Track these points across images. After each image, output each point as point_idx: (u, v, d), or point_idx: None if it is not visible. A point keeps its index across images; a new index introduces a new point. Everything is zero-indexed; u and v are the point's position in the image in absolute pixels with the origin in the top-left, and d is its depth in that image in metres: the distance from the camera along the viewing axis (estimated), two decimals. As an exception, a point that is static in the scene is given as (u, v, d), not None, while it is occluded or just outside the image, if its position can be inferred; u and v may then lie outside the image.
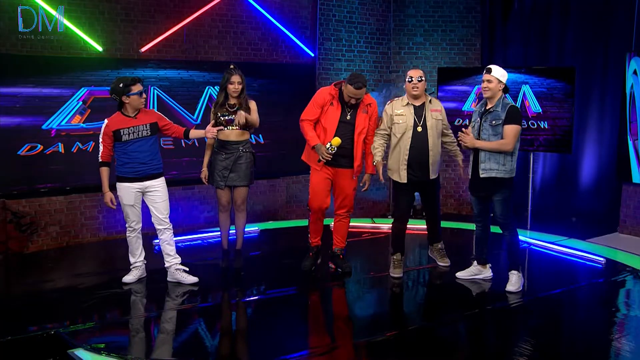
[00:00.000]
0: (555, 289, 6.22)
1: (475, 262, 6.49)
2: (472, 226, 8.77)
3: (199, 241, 8.11)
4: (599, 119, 9.16)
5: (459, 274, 6.49)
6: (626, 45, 8.52)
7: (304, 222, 9.01)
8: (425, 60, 10.49)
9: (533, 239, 8.11)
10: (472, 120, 6.17)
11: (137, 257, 6.39)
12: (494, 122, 5.88)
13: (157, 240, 7.53)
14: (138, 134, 6.09)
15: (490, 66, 5.98)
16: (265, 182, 9.59)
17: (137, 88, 6.04)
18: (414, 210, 10.43)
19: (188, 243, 7.97)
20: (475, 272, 6.46)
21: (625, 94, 8.36)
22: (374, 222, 9.16)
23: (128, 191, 6.16)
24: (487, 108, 5.98)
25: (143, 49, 8.41)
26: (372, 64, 10.34)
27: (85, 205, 8.20)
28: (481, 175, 5.98)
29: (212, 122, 6.43)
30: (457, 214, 10.53)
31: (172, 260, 6.32)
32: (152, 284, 6.36)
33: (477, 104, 6.11)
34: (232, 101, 6.44)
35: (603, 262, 7.17)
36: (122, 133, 6.04)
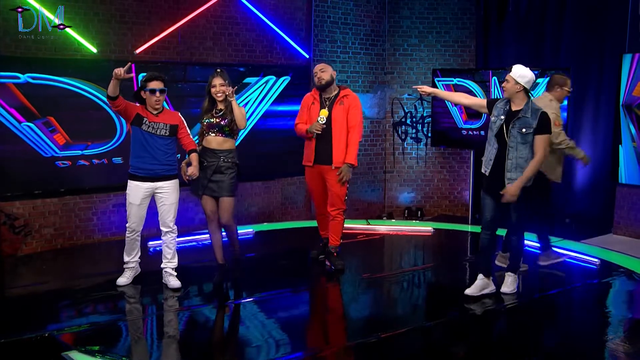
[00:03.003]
0: (550, 290, 6.24)
1: (482, 274, 6.05)
2: (465, 227, 9.07)
3: (194, 243, 8.07)
4: (594, 120, 9.17)
5: (468, 291, 5.99)
6: (621, 46, 8.54)
7: (299, 224, 9.26)
8: (420, 61, 10.51)
9: (527, 240, 8.04)
10: (494, 115, 5.77)
11: (132, 257, 6.35)
12: (524, 129, 5.56)
13: (153, 242, 7.70)
14: (157, 131, 6.01)
15: (514, 65, 5.71)
16: (260, 183, 9.58)
17: (153, 85, 5.94)
18: (409, 211, 10.51)
19: (183, 245, 7.80)
20: (484, 286, 6.01)
21: (620, 95, 8.38)
22: (369, 224, 9.15)
23: (137, 190, 6.09)
24: (513, 110, 5.66)
25: (138, 51, 8.37)
26: (366, 65, 10.33)
27: (80, 207, 8.16)
28: (507, 185, 5.65)
29: (200, 130, 6.32)
30: (452, 215, 10.55)
31: (167, 264, 6.30)
32: (147, 286, 6.34)
33: (498, 100, 5.83)
34: (219, 106, 6.21)
35: (597, 263, 7.18)
36: (144, 120, 5.98)
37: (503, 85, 5.70)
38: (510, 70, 5.65)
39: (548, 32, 9.60)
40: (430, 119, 10.29)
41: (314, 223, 8.58)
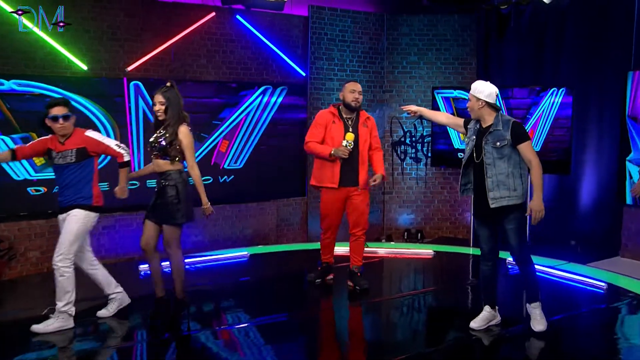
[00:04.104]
0: (555, 316, 6.07)
1: (487, 306, 5.81)
2: (467, 250, 9.04)
3: (187, 266, 7.69)
4: (598, 138, 9.10)
5: (473, 325, 5.74)
6: (625, 63, 8.50)
7: (295, 247, 9.18)
8: (420, 79, 10.49)
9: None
10: (467, 136, 5.72)
11: (112, 288, 6.05)
12: (498, 143, 5.42)
13: (144, 266, 7.50)
14: (65, 159, 5.63)
15: (473, 82, 5.65)
16: (255, 205, 9.55)
17: (55, 111, 5.54)
18: (409, 234, 10.42)
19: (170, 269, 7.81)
20: (490, 318, 5.78)
21: (626, 113, 8.34)
22: (368, 247, 9.00)
23: (59, 223, 5.81)
24: (484, 127, 5.54)
25: (129, 68, 8.36)
26: (364, 83, 10.27)
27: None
28: (491, 206, 5.46)
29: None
30: (453, 237, 10.48)
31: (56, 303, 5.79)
32: (136, 313, 6.22)
33: (471, 121, 5.76)
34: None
35: (604, 288, 7.09)
36: (53, 154, 5.66)
37: (467, 105, 5.64)
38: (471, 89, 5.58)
39: (549, 49, 9.58)
40: (430, 138, 10.23)
41: (310, 246, 8.49)
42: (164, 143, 5.67)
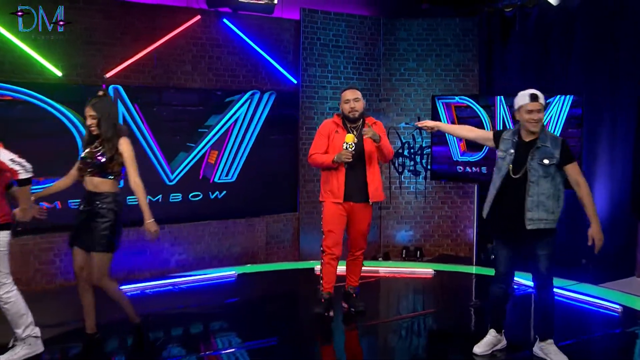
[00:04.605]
0: (565, 340, 5.93)
1: (493, 330, 5.67)
2: (469, 269, 9.04)
3: (170, 287, 7.89)
4: (610, 150, 8.97)
5: (477, 350, 5.63)
6: (638, 68, 8.43)
7: (286, 266, 9.19)
8: (419, 87, 10.43)
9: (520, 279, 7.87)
10: (502, 149, 5.45)
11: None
12: (546, 161, 5.25)
13: (123, 288, 7.28)
14: None
15: (534, 91, 5.34)
16: (243, 221, 9.44)
17: None
18: (407, 252, 10.33)
19: (157, 289, 7.75)
20: (495, 343, 5.65)
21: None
22: (364, 266, 8.93)
23: None
24: (527, 141, 5.34)
25: (108, 74, 8.24)
26: (360, 91, 10.08)
27: (41, 247, 7.88)
28: (528, 227, 5.27)
29: (76, 165, 5.67)
30: (454, 255, 10.41)
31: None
32: (111, 337, 6.10)
33: (505, 132, 5.53)
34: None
35: (619, 310, 6.98)
36: None
37: (538, 118, 5.29)
38: (536, 98, 5.28)
39: (556, 53, 9.51)
40: (429, 150, 10.16)
41: (302, 265, 8.52)
42: (102, 159, 5.42)
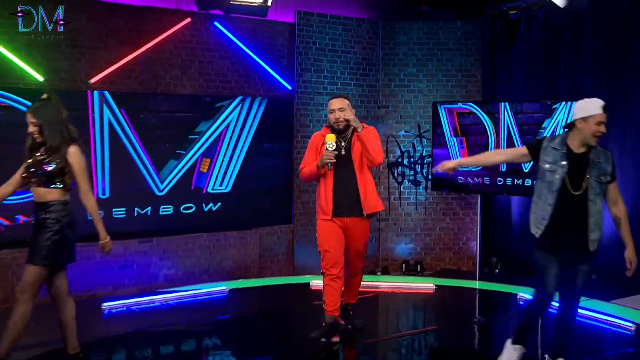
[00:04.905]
0: (576, 360, 5.89)
1: (519, 345, 5.46)
2: (473, 284, 8.97)
3: (157, 303, 7.81)
4: (620, 157, 8.85)
5: None
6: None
7: (280, 280, 9.16)
8: (419, 93, 10.37)
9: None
10: (548, 162, 5.18)
11: None
12: (602, 178, 5.10)
13: (109, 304, 7.42)
14: None
15: (604, 102, 5.16)
16: (235, 233, 9.37)
17: None
18: (407, 266, 10.23)
19: (144, 306, 7.68)
20: (516, 358, 5.45)
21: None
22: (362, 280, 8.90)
23: None
24: (578, 154, 5.13)
25: (93, 80, 8.18)
26: (357, 98, 10.16)
27: (19, 262, 7.58)
28: (591, 249, 5.14)
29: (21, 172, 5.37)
30: (457, 269, 10.34)
31: None
32: (102, 354, 6.09)
33: (545, 140, 5.28)
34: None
35: (632, 329, 6.86)
36: None
37: (603, 132, 5.15)
38: (607, 110, 5.14)
39: (564, 58, 9.44)
40: (430, 159, 10.08)
41: (297, 279, 8.56)
42: (49, 168, 5.15)
